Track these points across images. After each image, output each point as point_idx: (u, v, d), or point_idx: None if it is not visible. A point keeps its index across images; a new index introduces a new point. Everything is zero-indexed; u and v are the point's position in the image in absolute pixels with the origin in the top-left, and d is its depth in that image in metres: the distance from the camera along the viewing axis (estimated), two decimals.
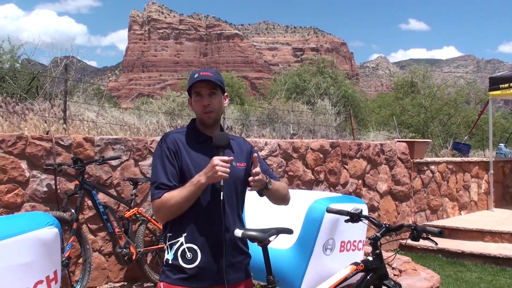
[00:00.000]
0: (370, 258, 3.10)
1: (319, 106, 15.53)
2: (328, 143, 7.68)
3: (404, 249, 8.60)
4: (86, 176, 5.19)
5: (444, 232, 2.92)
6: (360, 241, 5.25)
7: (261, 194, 2.66)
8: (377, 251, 3.10)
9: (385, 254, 3.36)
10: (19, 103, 6.43)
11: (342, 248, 5.07)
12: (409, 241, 8.92)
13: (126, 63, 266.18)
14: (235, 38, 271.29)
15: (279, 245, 5.00)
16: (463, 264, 7.68)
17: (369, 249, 3.43)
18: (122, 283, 5.57)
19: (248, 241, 2.69)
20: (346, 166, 7.93)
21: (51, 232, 2.88)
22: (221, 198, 2.49)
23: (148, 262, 5.52)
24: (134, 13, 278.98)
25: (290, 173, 7.14)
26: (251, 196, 4.84)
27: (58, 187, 5.10)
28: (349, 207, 5.02)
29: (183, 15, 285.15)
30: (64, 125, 5.83)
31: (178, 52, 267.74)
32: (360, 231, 5.18)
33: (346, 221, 3.38)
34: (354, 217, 3.30)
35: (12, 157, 4.90)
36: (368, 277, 3.07)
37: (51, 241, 2.88)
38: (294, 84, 18.97)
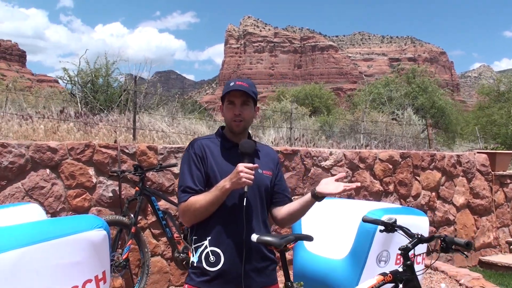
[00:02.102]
0: (400, 269, 3.02)
1: (405, 116, 15.15)
2: (398, 154, 7.48)
3: (484, 266, 8.17)
4: (149, 183, 5.45)
5: (473, 245, 2.78)
6: (419, 254, 5.07)
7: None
8: (408, 262, 3.01)
9: (426, 263, 3.25)
10: (97, 115, 6.86)
11: (398, 261, 4.92)
12: (491, 258, 8.40)
13: (222, 76, 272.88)
14: (329, 49, 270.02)
15: (333, 255, 4.97)
16: None
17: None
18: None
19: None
20: (418, 178, 7.67)
21: (99, 234, 3.02)
22: (244, 204, 2.54)
23: None
24: (230, 28, 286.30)
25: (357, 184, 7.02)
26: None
27: (122, 192, 5.39)
28: (407, 219, 4.89)
29: (277, 28, 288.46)
30: (133, 135, 6.15)
31: (272, 64, 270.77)
32: None
33: (381, 231, 3.31)
34: (388, 227, 3.23)
35: (80, 163, 5.25)
36: None
37: (100, 242, 3.01)
38: (378, 94, 18.58)
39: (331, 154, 6.87)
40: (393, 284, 3.00)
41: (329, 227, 5.20)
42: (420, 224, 4.84)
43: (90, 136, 5.92)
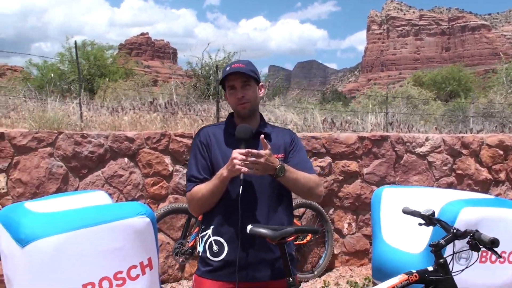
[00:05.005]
0: (430, 268, 2.65)
1: None
2: (510, 138, 6.68)
3: None
4: None
5: (497, 243, 2.33)
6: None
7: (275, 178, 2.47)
8: (441, 261, 2.63)
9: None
10: (189, 105, 7.03)
11: (483, 259, 4.35)
12: None
13: (365, 63, 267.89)
14: (481, 29, 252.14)
15: (411, 249, 4.57)
16: None
17: None
18: None
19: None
20: None
21: (142, 221, 3.04)
22: (239, 192, 2.41)
23: None
24: (372, 13, 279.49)
25: (459, 172, 6.41)
26: (389, 198, 4.49)
27: None
28: (497, 212, 4.31)
29: (423, 10, 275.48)
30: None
31: (418, 48, 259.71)
32: None
33: (420, 224, 2.96)
34: (426, 220, 2.86)
35: (157, 152, 5.39)
36: None
37: (143, 229, 3.04)
38: None
39: (427, 139, 6.33)
40: (423, 285, 2.65)
41: (409, 219, 4.79)
42: None
43: (171, 125, 6.06)
